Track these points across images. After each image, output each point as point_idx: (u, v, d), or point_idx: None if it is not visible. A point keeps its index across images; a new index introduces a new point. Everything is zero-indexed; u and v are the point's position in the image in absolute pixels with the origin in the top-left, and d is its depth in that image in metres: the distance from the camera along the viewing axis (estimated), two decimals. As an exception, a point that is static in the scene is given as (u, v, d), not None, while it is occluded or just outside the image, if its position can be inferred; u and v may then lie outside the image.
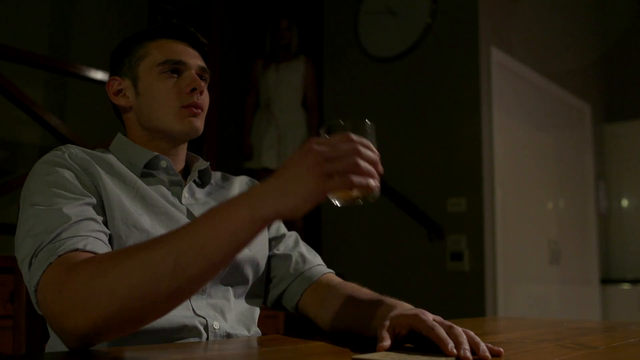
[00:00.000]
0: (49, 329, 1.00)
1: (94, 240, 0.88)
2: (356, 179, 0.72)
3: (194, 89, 1.09)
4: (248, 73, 3.96)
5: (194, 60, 1.12)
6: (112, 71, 1.15)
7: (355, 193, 0.77)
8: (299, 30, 4.04)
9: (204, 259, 0.74)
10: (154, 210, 1.03)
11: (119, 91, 1.13)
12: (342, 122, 0.80)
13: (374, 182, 0.74)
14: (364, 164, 0.73)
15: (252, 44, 4.52)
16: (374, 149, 0.77)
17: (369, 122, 0.82)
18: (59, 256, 0.83)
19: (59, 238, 0.85)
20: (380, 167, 0.76)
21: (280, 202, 0.73)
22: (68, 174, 0.96)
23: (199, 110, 1.10)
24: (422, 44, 3.62)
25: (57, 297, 0.79)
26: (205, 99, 1.12)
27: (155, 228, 1.00)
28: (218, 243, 0.74)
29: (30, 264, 0.85)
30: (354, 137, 0.75)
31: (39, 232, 0.87)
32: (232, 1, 4.33)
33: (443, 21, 3.57)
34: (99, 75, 2.82)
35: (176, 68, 1.10)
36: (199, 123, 1.10)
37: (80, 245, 0.85)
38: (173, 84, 1.09)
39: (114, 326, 0.78)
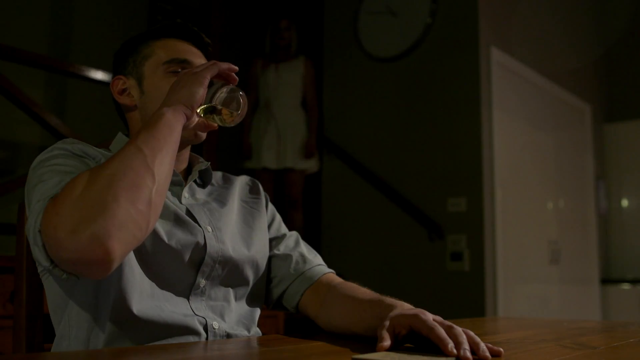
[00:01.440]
0: (54, 320, 1.01)
1: None
2: (221, 65, 1.02)
3: None
4: (248, 73, 3.96)
5: (199, 59, 1.13)
6: (116, 70, 1.15)
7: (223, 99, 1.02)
8: (298, 31, 4.03)
9: (164, 150, 0.91)
10: None
11: (124, 90, 1.13)
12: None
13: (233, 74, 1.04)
14: (224, 65, 1.03)
15: (252, 44, 4.52)
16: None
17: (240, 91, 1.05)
18: (54, 195, 0.85)
19: (58, 187, 0.87)
20: (235, 74, 1.05)
21: (180, 94, 0.98)
22: (74, 158, 0.97)
23: (204, 131, 1.10)
24: (422, 44, 3.62)
25: (53, 212, 0.80)
26: None
27: (157, 232, 1.00)
28: (165, 137, 0.93)
29: (35, 218, 0.85)
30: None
31: (42, 197, 0.87)
32: (232, 1, 4.33)
33: (443, 21, 3.57)
34: (99, 75, 2.81)
35: (181, 67, 1.10)
36: (204, 135, 1.11)
37: None
38: None
39: (110, 226, 0.79)
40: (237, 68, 1.05)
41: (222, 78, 1.04)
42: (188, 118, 0.98)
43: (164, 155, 0.90)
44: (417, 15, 3.64)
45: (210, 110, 1.03)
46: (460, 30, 3.51)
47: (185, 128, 1.00)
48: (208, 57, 1.17)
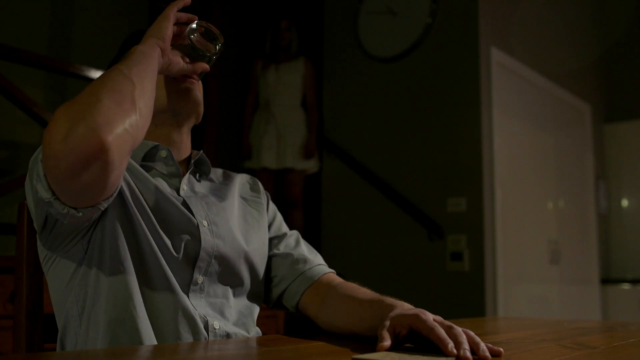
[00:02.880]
0: (56, 309, 1.01)
1: None
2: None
3: None
4: (248, 73, 3.96)
5: None
6: None
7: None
8: (298, 31, 4.04)
9: (141, 65, 0.93)
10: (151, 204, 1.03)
11: None
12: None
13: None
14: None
15: (252, 44, 4.52)
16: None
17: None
18: None
19: None
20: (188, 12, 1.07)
21: (150, 29, 1.02)
22: None
23: (195, 80, 1.11)
24: (422, 44, 3.62)
25: (47, 131, 0.82)
26: (197, 78, 1.14)
27: (152, 222, 1.00)
28: (139, 58, 0.95)
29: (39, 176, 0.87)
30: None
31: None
32: (232, 1, 4.33)
33: (443, 21, 3.57)
34: (99, 75, 2.81)
35: None
36: (197, 92, 1.12)
37: None
38: None
39: (99, 120, 0.80)
40: (188, 1, 1.08)
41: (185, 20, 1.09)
42: (163, 50, 1.01)
43: (142, 69, 0.93)
44: (417, 15, 3.64)
45: (190, 46, 1.07)
46: (460, 30, 3.51)
47: (170, 70, 1.04)
48: None
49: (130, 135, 0.84)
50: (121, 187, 0.98)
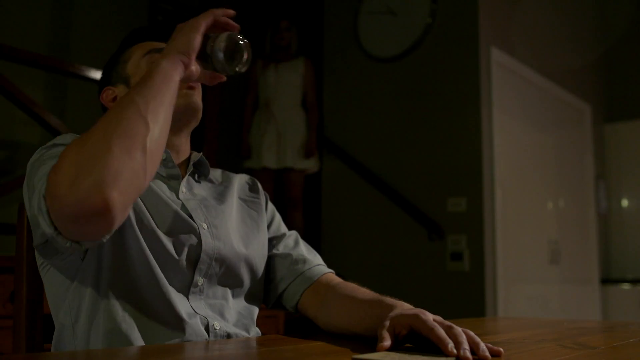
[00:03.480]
0: (53, 313, 1.01)
1: None
2: (216, 11, 0.99)
3: None
4: (248, 73, 3.96)
5: None
6: (103, 85, 1.19)
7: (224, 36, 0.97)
8: (298, 31, 4.03)
9: (158, 98, 0.89)
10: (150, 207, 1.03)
11: (114, 98, 1.15)
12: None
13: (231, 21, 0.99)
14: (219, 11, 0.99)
15: (252, 44, 4.51)
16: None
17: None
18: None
19: None
20: (233, 21, 1.00)
21: (174, 42, 0.96)
22: None
23: (194, 84, 1.10)
24: (422, 44, 3.62)
25: (54, 173, 0.81)
26: (199, 87, 1.13)
27: (151, 227, 1.00)
28: (159, 85, 0.91)
29: (38, 197, 0.86)
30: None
31: (47, 170, 0.88)
32: (232, 2, 4.32)
33: (443, 21, 3.57)
34: (99, 75, 2.81)
35: None
36: (196, 97, 1.11)
37: None
38: None
39: (106, 175, 0.79)
40: (233, 12, 1.01)
41: (220, 28, 1.00)
42: (186, 66, 0.95)
43: (159, 103, 0.89)
44: (417, 15, 3.64)
45: (211, 60, 0.98)
46: (460, 30, 3.51)
47: (188, 79, 0.99)
48: None
49: (137, 185, 0.84)
50: None
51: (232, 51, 0.98)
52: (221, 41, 0.97)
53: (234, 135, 4.02)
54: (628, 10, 4.98)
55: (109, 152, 0.80)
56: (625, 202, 5.04)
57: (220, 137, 3.21)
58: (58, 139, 1.00)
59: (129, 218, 0.97)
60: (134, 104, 0.86)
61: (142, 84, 0.90)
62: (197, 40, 0.95)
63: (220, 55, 0.97)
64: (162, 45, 1.14)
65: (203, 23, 0.96)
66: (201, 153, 1.18)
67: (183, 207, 1.07)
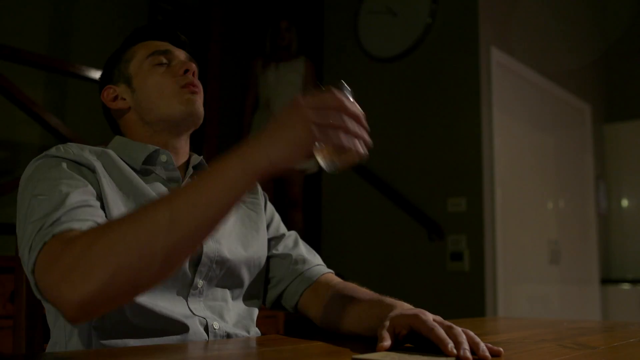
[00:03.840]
0: (50, 324, 1.00)
1: (93, 224, 0.84)
2: (344, 138, 0.76)
3: (187, 70, 1.10)
4: (248, 73, 3.96)
5: (180, 52, 1.16)
6: (104, 83, 1.17)
7: (341, 153, 0.79)
8: (298, 31, 4.03)
9: (198, 214, 0.74)
10: None
11: (115, 97, 1.14)
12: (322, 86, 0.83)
13: (360, 146, 0.79)
14: (351, 124, 0.78)
15: (252, 44, 4.52)
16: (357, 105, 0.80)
17: (346, 85, 0.87)
18: (54, 235, 0.80)
19: (59, 222, 0.82)
20: (365, 123, 0.81)
21: (271, 151, 0.75)
22: (69, 166, 0.95)
23: (197, 89, 1.10)
24: (422, 44, 3.62)
25: (53, 267, 0.76)
26: (199, 84, 1.13)
27: None
28: (212, 197, 0.75)
29: (30, 248, 0.82)
30: (337, 91, 0.80)
31: (39, 217, 0.84)
32: (232, 1, 4.33)
33: (443, 21, 3.57)
34: (99, 75, 2.81)
35: (165, 57, 1.12)
36: (199, 104, 1.10)
37: (76, 226, 0.82)
38: (165, 70, 1.11)
39: (111, 292, 0.74)
40: (361, 113, 0.81)
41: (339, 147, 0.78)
42: (262, 178, 0.77)
43: (198, 239, 0.77)
44: (417, 15, 3.64)
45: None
46: (460, 30, 3.51)
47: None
48: (190, 54, 1.18)
49: (123, 302, 0.83)
50: (123, 197, 0.99)
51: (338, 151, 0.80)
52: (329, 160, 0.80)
53: (234, 136, 4.02)
54: (628, 11, 4.98)
55: (109, 276, 0.73)
56: (625, 202, 5.04)
57: (220, 138, 3.21)
58: (50, 152, 0.98)
59: None
60: (169, 221, 0.73)
61: (195, 189, 0.75)
62: (299, 157, 0.76)
63: (328, 161, 0.81)
64: (166, 45, 1.15)
65: (315, 139, 0.75)
66: (202, 156, 1.18)
67: None
